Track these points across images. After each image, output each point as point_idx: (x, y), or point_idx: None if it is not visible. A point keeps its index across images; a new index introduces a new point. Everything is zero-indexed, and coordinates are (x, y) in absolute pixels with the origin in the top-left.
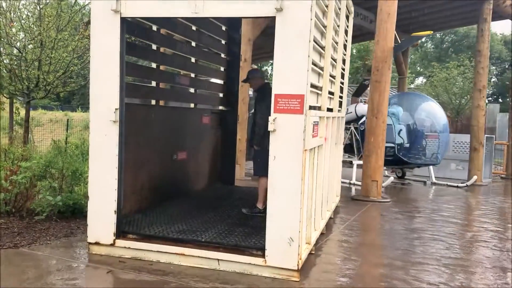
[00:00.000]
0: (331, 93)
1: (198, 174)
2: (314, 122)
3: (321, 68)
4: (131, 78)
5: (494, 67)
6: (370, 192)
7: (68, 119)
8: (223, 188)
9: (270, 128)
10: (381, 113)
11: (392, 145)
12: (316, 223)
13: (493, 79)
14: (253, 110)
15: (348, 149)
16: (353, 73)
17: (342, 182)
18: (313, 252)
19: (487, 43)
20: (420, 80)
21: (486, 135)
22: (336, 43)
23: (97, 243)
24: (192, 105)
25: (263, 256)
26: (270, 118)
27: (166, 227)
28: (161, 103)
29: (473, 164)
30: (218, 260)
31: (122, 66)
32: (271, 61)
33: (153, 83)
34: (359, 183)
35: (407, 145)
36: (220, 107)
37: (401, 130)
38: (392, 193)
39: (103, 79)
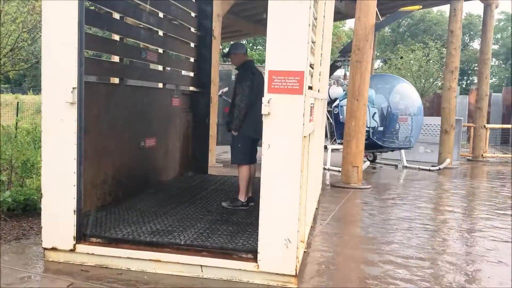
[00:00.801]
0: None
1: (169, 162)
2: (311, 104)
3: (313, 43)
4: (91, 52)
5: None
6: (351, 178)
7: (18, 102)
8: (196, 177)
9: (264, 111)
10: (362, 95)
11: (366, 128)
12: (308, 217)
13: None
14: (220, 92)
15: None
16: None
17: None
18: (305, 249)
19: (460, 23)
20: (377, 64)
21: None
22: (324, 16)
23: (54, 249)
24: (160, 85)
25: (255, 260)
26: (264, 100)
27: (136, 227)
28: (126, 82)
29: (444, 147)
30: (201, 266)
31: (81, 36)
32: (236, 41)
33: (116, 58)
34: (335, 168)
35: (381, 128)
36: (191, 88)
37: (375, 113)
38: (368, 178)
39: (57, 52)
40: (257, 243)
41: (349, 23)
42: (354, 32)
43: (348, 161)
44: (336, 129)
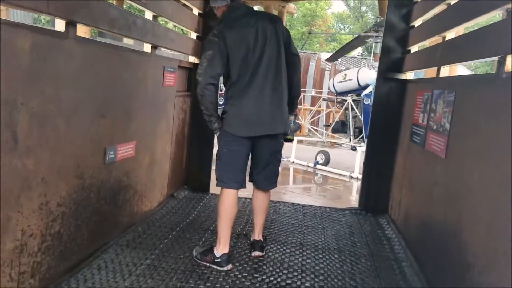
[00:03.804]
0: None
1: (154, 180)
2: None
3: None
4: None
5: None
6: None
7: None
8: (194, 200)
9: None
10: None
11: None
12: None
13: None
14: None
15: (340, 128)
16: (297, 40)
17: (339, 175)
18: None
19: None
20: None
21: None
22: None
23: None
24: (147, 48)
25: None
26: None
27: None
28: (82, 31)
29: None
30: None
31: None
32: None
33: None
34: None
35: None
36: (191, 59)
37: None
38: None
39: None
40: None
41: (335, 7)
42: None
43: None
44: (366, 124)
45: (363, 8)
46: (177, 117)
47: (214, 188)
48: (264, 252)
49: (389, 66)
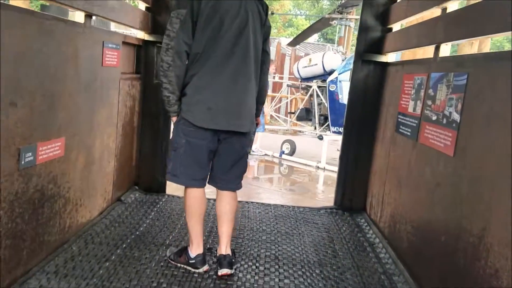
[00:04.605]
0: None
1: (94, 183)
2: None
3: None
4: None
5: None
6: None
7: None
8: (147, 204)
9: None
10: None
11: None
12: None
13: None
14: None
15: (304, 116)
16: None
17: (305, 165)
18: None
19: None
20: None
21: None
22: None
23: None
24: (79, 16)
25: None
26: None
27: None
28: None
29: None
30: None
31: None
32: None
33: None
34: (333, 168)
35: None
36: (140, 34)
37: None
38: None
39: None
40: None
41: None
42: None
43: None
44: (332, 112)
45: None
46: (123, 105)
47: (171, 189)
48: (233, 270)
49: (368, 47)
